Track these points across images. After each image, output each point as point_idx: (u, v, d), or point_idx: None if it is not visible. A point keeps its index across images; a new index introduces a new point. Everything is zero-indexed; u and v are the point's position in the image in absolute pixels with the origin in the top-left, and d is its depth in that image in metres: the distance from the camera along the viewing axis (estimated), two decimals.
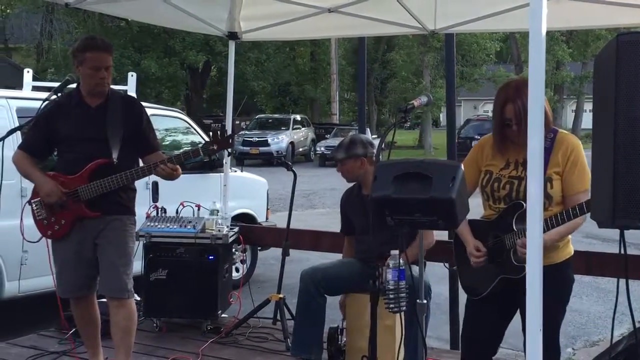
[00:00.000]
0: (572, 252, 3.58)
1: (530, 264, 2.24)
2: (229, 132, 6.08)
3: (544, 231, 3.23)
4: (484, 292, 3.50)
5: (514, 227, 3.36)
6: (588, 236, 11.12)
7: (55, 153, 4.39)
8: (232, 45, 6.50)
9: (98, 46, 4.21)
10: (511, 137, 3.43)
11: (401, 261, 3.01)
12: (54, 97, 4.22)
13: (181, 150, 4.44)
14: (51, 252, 4.34)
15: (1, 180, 3.84)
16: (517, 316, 3.52)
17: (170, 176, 4.29)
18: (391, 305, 3.08)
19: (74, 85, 4.33)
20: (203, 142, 7.78)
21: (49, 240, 4.33)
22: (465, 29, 6.11)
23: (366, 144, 4.83)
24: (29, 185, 4.44)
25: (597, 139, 2.33)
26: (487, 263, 3.45)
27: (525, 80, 3.51)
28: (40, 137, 4.31)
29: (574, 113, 46.52)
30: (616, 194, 2.10)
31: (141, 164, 4.39)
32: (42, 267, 4.73)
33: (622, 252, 2.29)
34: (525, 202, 3.29)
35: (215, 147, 4.31)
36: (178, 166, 4.26)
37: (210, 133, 4.44)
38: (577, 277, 8.16)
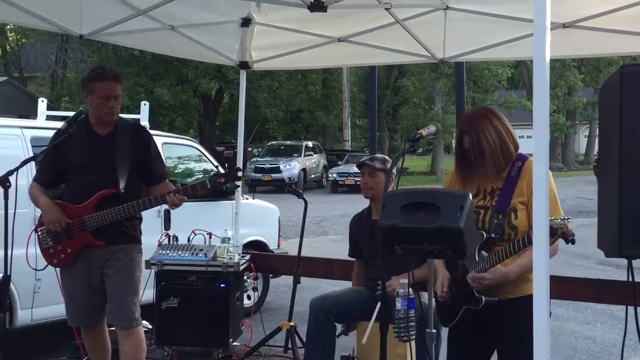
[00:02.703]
0: None
1: (536, 297, 2.20)
2: (240, 161, 6.15)
3: (496, 263, 3.21)
4: (452, 322, 3.47)
5: (476, 257, 3.31)
6: (602, 263, 11.04)
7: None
8: (243, 75, 6.57)
9: (107, 76, 4.26)
10: (472, 166, 3.44)
11: (410, 290, 3.02)
12: (66, 127, 4.26)
13: (189, 183, 4.47)
14: (60, 280, 4.37)
15: (15, 209, 3.88)
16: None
17: (177, 206, 4.33)
18: (401, 334, 3.08)
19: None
20: (215, 170, 7.85)
21: (58, 269, 4.37)
22: (474, 58, 6.16)
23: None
24: None
25: (603, 169, 2.35)
26: (456, 293, 3.42)
27: (482, 111, 3.50)
28: (50, 168, 4.38)
29: (586, 139, 46.39)
30: (622, 224, 2.11)
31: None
32: (54, 295, 4.75)
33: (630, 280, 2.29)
34: (487, 232, 3.27)
35: (222, 180, 4.33)
36: (185, 197, 4.29)
37: (219, 166, 4.47)
38: (590, 304, 8.16)
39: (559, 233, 2.91)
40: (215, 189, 4.48)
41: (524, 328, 3.28)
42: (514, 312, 3.33)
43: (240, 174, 4.47)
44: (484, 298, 3.30)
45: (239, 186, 5.48)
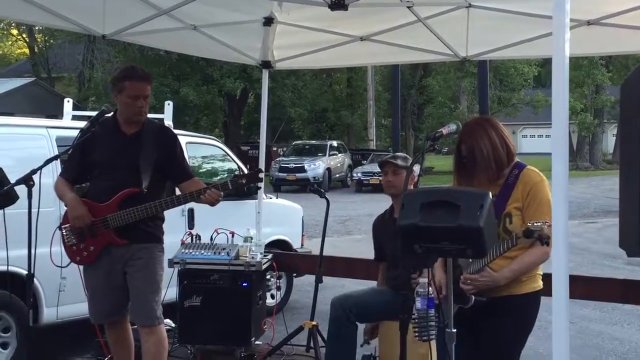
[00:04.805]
0: (538, 288, 3.57)
1: (556, 298, 2.16)
2: (262, 161, 6.17)
3: (486, 264, 3.30)
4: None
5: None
6: (630, 263, 10.91)
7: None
8: (265, 74, 6.58)
9: (138, 75, 4.29)
10: (468, 173, 3.55)
11: (430, 289, 3.01)
12: (89, 126, 4.29)
13: (211, 183, 4.47)
14: (83, 278, 4.42)
15: (38, 208, 3.92)
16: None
17: (214, 202, 4.33)
18: (421, 333, 3.07)
19: (110, 114, 4.43)
20: (238, 170, 7.89)
21: (81, 267, 4.41)
22: (497, 56, 6.11)
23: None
24: None
25: (624, 168, 2.31)
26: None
27: (479, 121, 3.65)
28: (75, 166, 4.42)
29: (615, 137, 45.76)
30: None
31: (177, 192, 4.45)
32: (80, 293, 4.79)
33: None
34: None
35: (244, 181, 4.34)
36: (221, 193, 4.30)
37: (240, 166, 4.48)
38: (617, 305, 8.07)
39: (536, 235, 2.95)
40: (236, 189, 4.48)
41: (511, 324, 3.42)
42: (503, 309, 3.43)
43: (262, 175, 4.47)
44: (473, 297, 3.38)
45: (260, 187, 5.47)
